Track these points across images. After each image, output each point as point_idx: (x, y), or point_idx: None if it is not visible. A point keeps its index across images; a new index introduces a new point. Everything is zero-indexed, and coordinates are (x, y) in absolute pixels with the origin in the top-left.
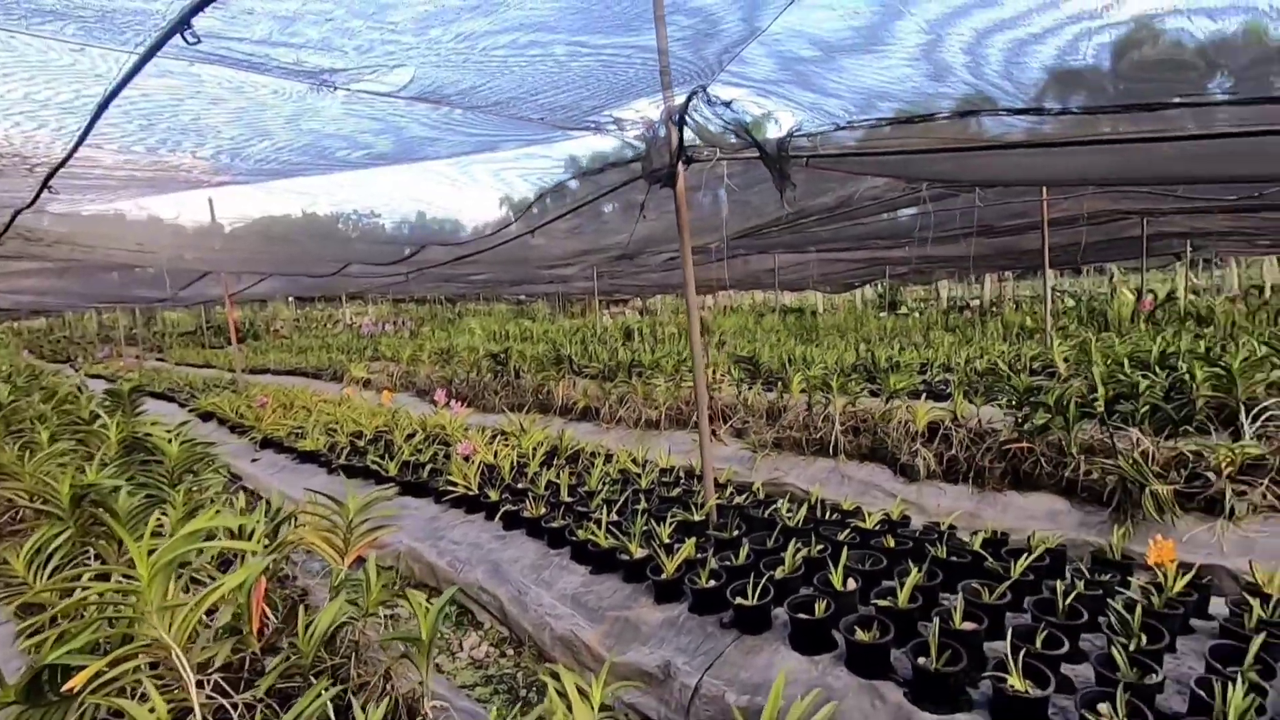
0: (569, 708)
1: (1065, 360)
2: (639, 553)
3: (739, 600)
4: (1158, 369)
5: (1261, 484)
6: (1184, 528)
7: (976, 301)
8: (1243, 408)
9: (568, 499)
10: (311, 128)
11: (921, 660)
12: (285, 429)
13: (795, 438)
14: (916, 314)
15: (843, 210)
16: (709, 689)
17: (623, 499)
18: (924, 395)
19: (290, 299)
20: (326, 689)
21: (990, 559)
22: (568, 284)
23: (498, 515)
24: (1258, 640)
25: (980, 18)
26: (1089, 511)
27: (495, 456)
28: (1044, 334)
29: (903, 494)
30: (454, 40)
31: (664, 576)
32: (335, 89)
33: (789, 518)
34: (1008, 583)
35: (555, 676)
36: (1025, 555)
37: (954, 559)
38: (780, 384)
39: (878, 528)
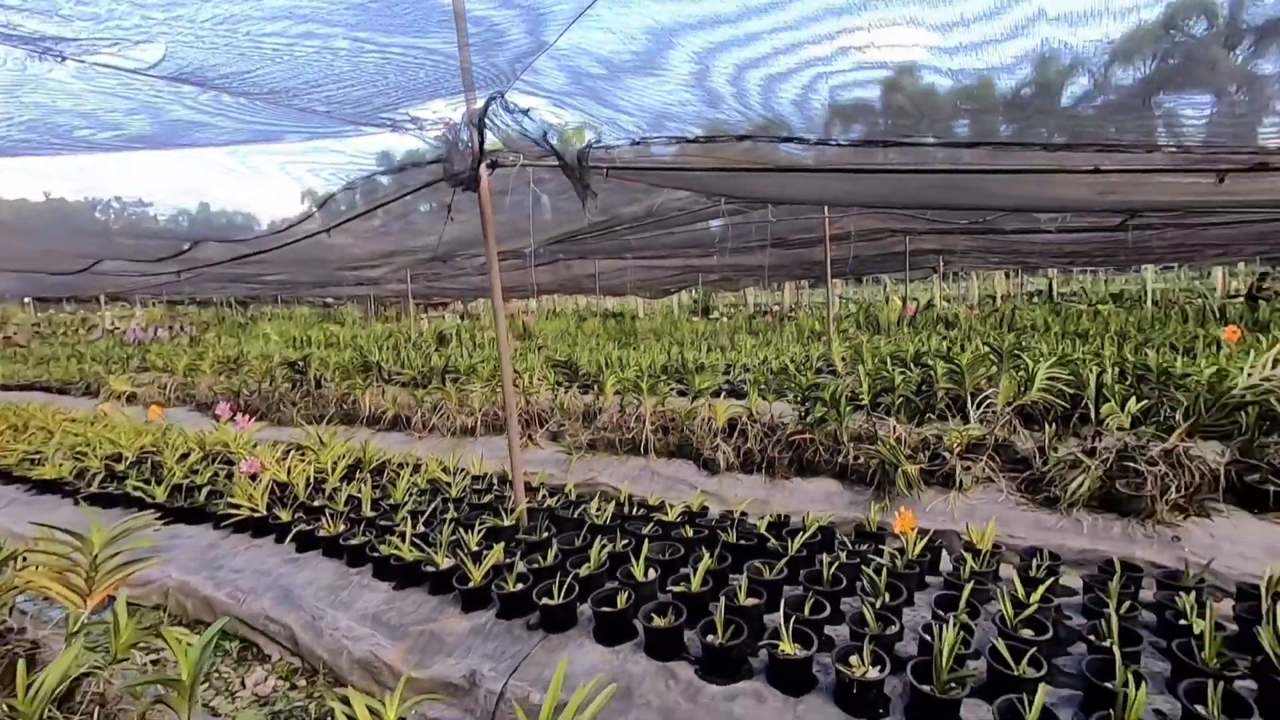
0: None
1: (843, 360)
2: (445, 563)
3: (545, 600)
4: (912, 366)
5: (982, 459)
6: (927, 500)
7: (777, 307)
8: (969, 397)
9: (370, 514)
10: (38, 101)
11: (709, 638)
12: (15, 454)
13: (609, 438)
14: (725, 319)
15: (652, 219)
16: (514, 692)
17: (430, 510)
18: (727, 394)
19: (27, 300)
20: None
21: (773, 540)
22: (379, 286)
23: (289, 537)
24: (968, 588)
25: (736, 55)
26: (857, 491)
27: (288, 474)
28: (828, 337)
29: (705, 486)
30: (210, 21)
31: (471, 584)
32: (64, 59)
33: (597, 516)
34: (785, 559)
35: (345, 701)
36: (801, 534)
37: (743, 542)
38: (597, 386)
39: (679, 519)
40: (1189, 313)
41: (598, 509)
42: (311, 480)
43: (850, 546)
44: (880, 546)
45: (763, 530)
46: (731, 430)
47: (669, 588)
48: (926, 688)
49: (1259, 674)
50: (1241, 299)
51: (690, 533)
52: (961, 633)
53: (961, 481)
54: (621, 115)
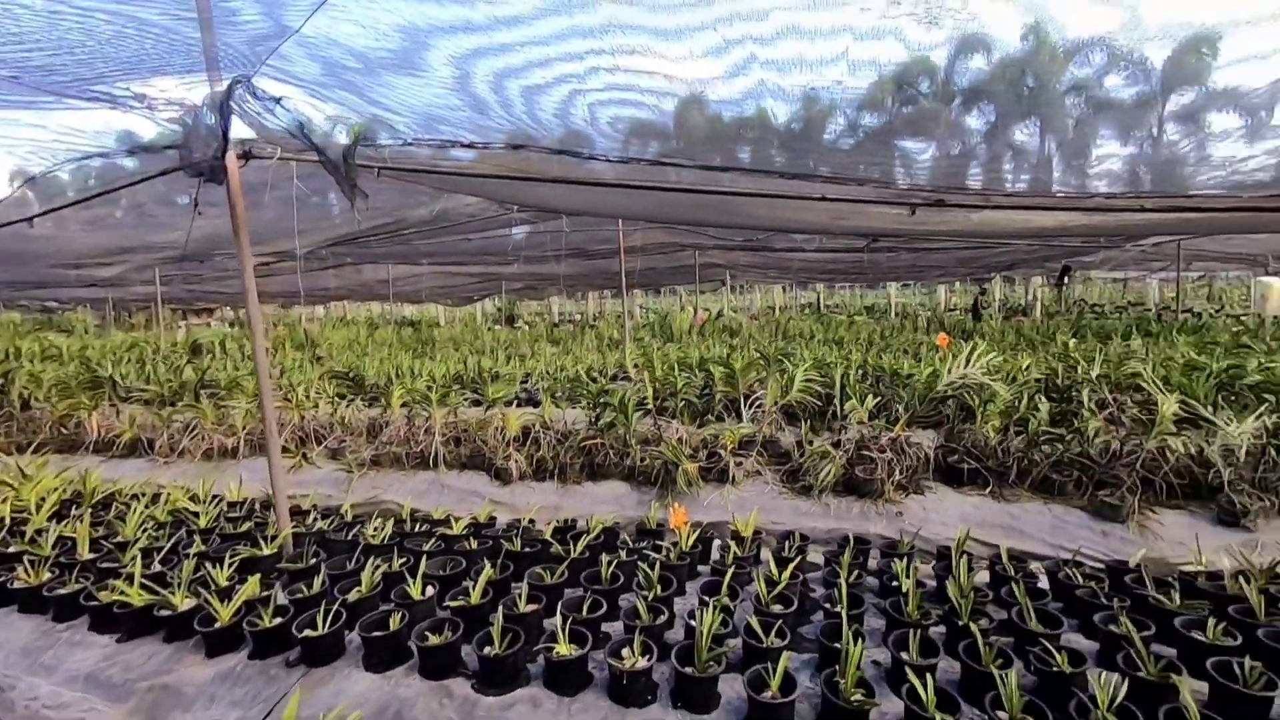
0: None
1: (635, 366)
2: (185, 604)
3: (307, 633)
4: (696, 371)
5: (752, 455)
6: (705, 495)
7: (580, 316)
8: (743, 398)
9: (89, 556)
10: None
11: (486, 649)
12: None
13: (396, 453)
14: (528, 327)
15: (444, 225)
16: None
17: (172, 544)
18: (524, 403)
19: None
20: None
21: (557, 544)
22: (120, 288)
23: None
24: (729, 574)
25: (494, 62)
26: (644, 491)
27: None
28: (624, 345)
29: (497, 496)
30: None
31: (218, 625)
32: None
33: (374, 536)
34: (567, 562)
35: None
36: (585, 536)
37: (527, 549)
38: (385, 399)
39: (464, 532)
40: (919, 323)
41: (375, 528)
42: (6, 521)
43: (631, 545)
44: (659, 542)
45: (548, 536)
46: (525, 438)
47: (447, 603)
48: (689, 669)
49: (947, 620)
50: (960, 311)
51: (474, 545)
52: (722, 615)
53: (734, 476)
54: (390, 114)
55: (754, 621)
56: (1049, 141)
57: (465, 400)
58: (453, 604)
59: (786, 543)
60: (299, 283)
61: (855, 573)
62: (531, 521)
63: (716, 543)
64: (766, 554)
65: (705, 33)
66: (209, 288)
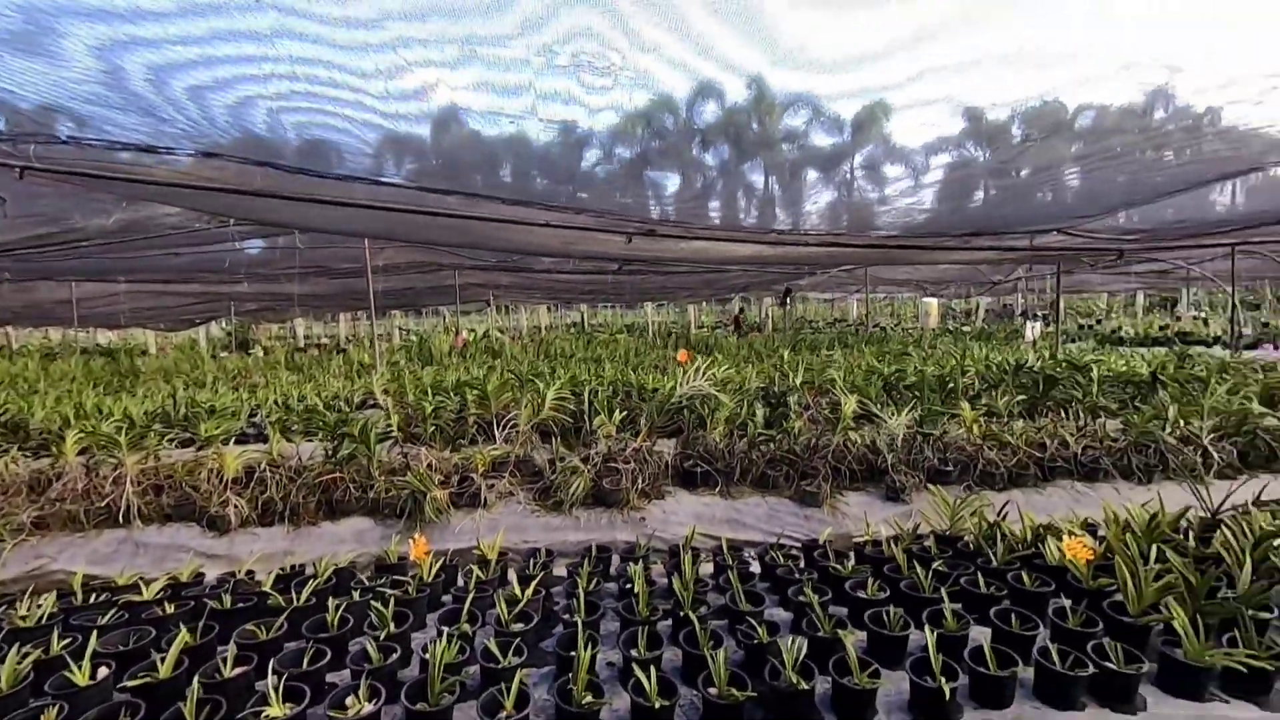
0: None
1: (385, 392)
2: None
3: None
4: (452, 394)
5: (505, 476)
6: (456, 522)
7: (328, 340)
8: (496, 420)
9: None
10: None
11: None
12: None
13: (71, 510)
14: (266, 353)
15: (139, 237)
16: None
17: None
18: (254, 438)
19: None
20: None
21: (276, 595)
22: None
23: None
24: (469, 599)
25: (149, 56)
26: (389, 525)
27: None
28: (375, 369)
29: (211, 549)
30: None
31: None
32: None
33: (22, 619)
34: (287, 613)
35: None
36: (313, 581)
37: (240, 605)
38: (58, 447)
39: (158, 596)
40: (671, 341)
41: (28, 609)
42: None
43: (366, 584)
44: (399, 578)
45: (268, 587)
46: (250, 479)
47: (126, 683)
48: (420, 706)
49: (673, 613)
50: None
51: (170, 609)
52: (460, 642)
53: (487, 499)
54: (29, 104)
55: (492, 644)
56: (771, 180)
57: (172, 441)
58: (133, 682)
59: (532, 560)
60: None
61: (595, 580)
62: (250, 573)
63: (462, 570)
64: (512, 574)
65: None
66: None
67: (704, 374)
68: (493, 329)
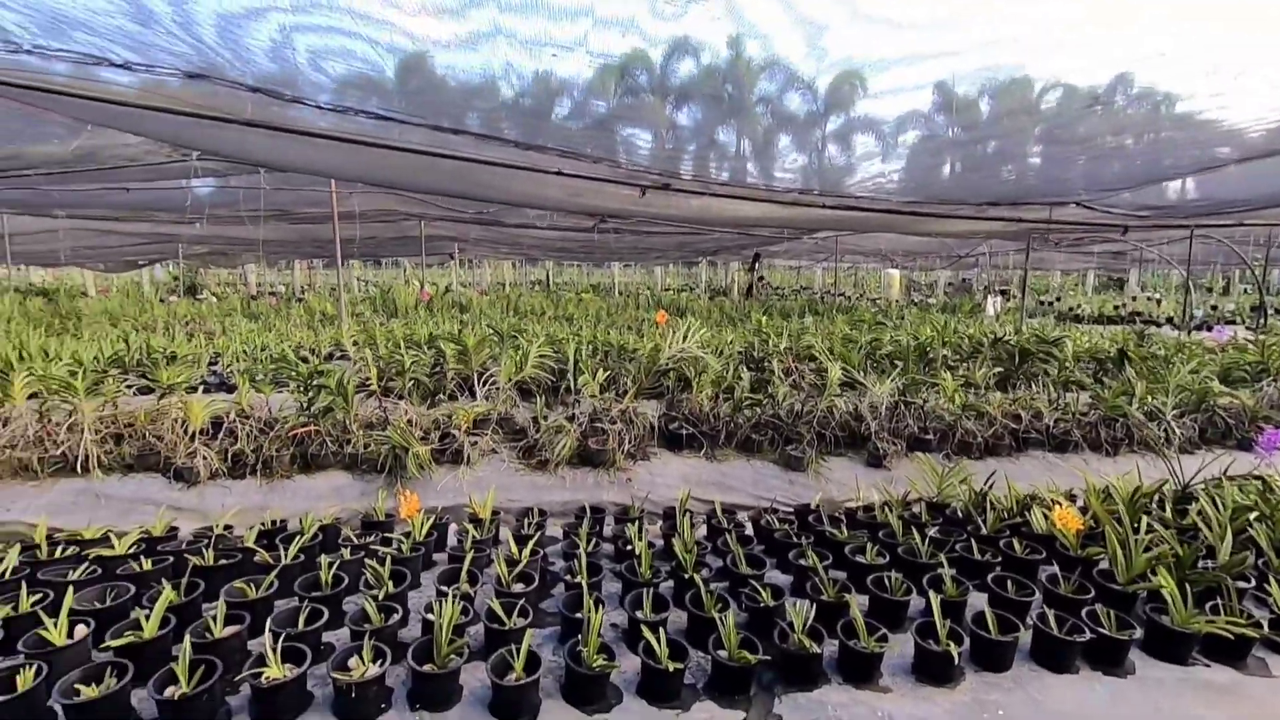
0: None
1: (355, 344)
2: None
3: None
4: (426, 348)
5: (487, 434)
6: (439, 478)
7: (284, 288)
8: (476, 376)
9: None
10: None
11: (168, 691)
12: None
13: (22, 458)
14: (217, 300)
15: (93, 168)
16: None
17: None
18: (215, 387)
19: None
20: None
21: (262, 551)
22: None
23: None
24: (468, 558)
25: None
26: (369, 480)
27: None
28: (340, 319)
29: (180, 502)
30: None
31: None
32: None
33: None
34: (276, 571)
35: None
36: (299, 538)
37: (223, 562)
38: (2, 390)
39: (131, 551)
40: (640, 301)
41: None
42: None
43: (355, 541)
44: (388, 535)
45: (250, 543)
46: (217, 430)
47: (108, 642)
48: (427, 667)
49: (675, 575)
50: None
51: (148, 565)
52: (462, 603)
53: (469, 456)
54: None
55: (496, 605)
56: (744, 143)
57: (130, 388)
58: (117, 642)
59: (526, 520)
60: None
61: (593, 541)
62: (229, 528)
63: (453, 528)
64: (506, 533)
65: None
66: None
67: (691, 337)
68: (456, 283)
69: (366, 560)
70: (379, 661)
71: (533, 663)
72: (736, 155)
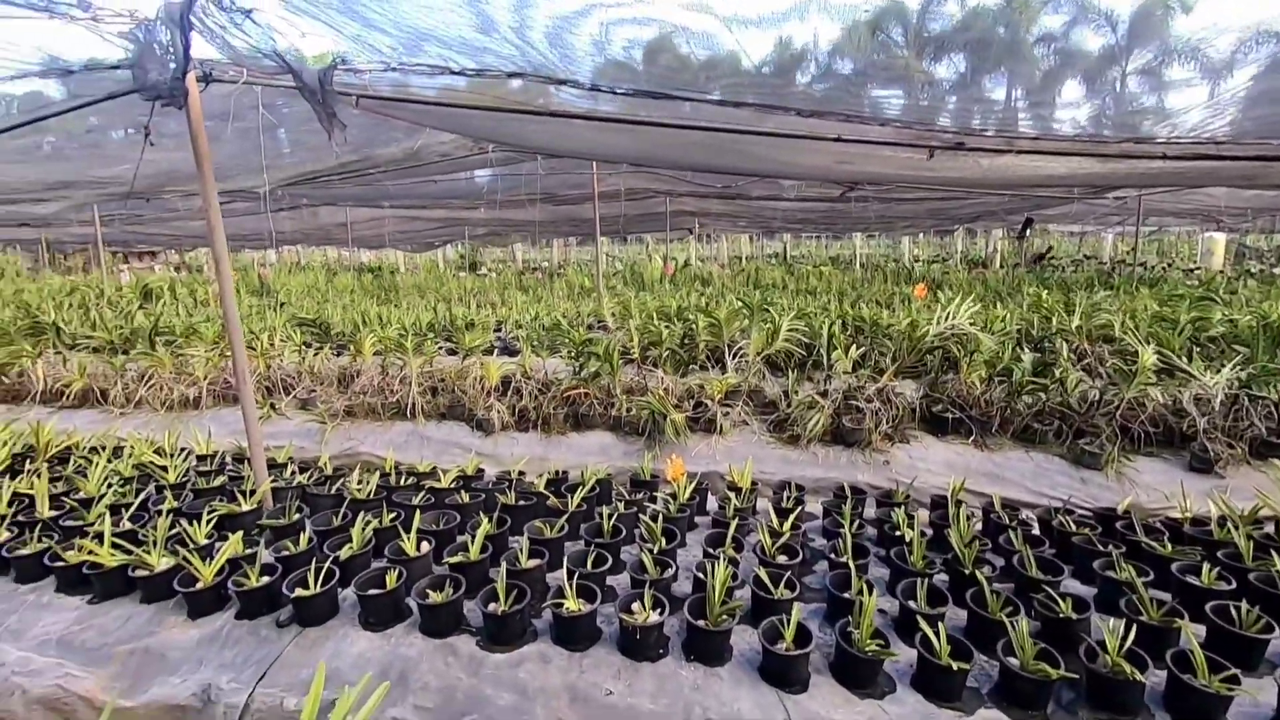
0: None
1: (613, 315)
2: (163, 563)
3: (298, 592)
4: (676, 320)
5: (738, 405)
6: (693, 445)
7: (546, 264)
8: (727, 348)
9: (51, 514)
10: None
11: (491, 606)
12: None
13: (370, 403)
14: (494, 274)
15: (413, 164)
16: (263, 701)
17: (141, 501)
18: (499, 351)
19: None
20: None
21: (552, 497)
22: (54, 228)
23: None
24: (733, 525)
25: None
26: (630, 442)
27: None
28: (598, 293)
29: (480, 448)
30: None
31: (200, 585)
32: None
33: (359, 490)
34: (565, 516)
35: None
36: (580, 489)
37: (521, 502)
38: (353, 347)
39: (453, 485)
40: (886, 274)
41: (359, 482)
42: None
43: (627, 496)
44: (654, 493)
45: (541, 488)
46: (505, 388)
47: (445, 560)
48: (701, 622)
49: (950, 569)
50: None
51: (466, 498)
52: (729, 567)
53: (722, 426)
54: (374, 33)
55: (762, 573)
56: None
57: (440, 349)
58: (451, 560)
59: (784, 493)
60: (268, 224)
61: (855, 523)
62: (521, 473)
63: (710, 494)
64: (764, 504)
65: None
66: (152, 229)
67: (962, 312)
68: (693, 257)
69: (639, 515)
70: (658, 610)
71: (802, 636)
72: (1007, 105)
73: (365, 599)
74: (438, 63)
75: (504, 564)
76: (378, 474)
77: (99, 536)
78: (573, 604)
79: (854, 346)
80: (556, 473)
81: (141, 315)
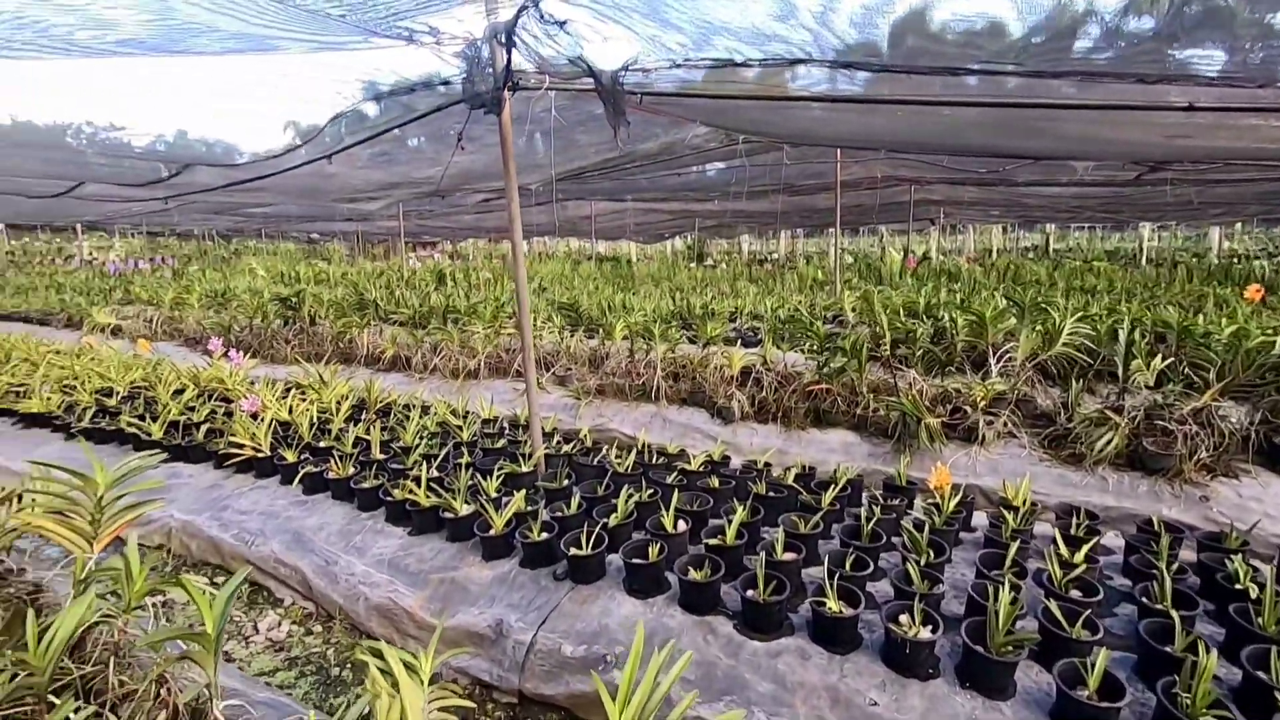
0: (395, 686)
1: (853, 310)
2: (465, 509)
3: (573, 551)
4: (925, 317)
5: (1004, 414)
6: (949, 454)
7: (774, 256)
8: (990, 349)
9: (380, 456)
10: None
11: (750, 593)
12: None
13: (618, 384)
14: (722, 266)
15: (666, 157)
16: (544, 643)
17: (443, 454)
18: (736, 342)
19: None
20: (76, 710)
21: (804, 492)
22: (369, 222)
23: (296, 479)
24: (1014, 547)
25: None
26: (876, 443)
27: (290, 413)
28: (833, 286)
29: (720, 435)
30: None
31: (493, 532)
32: None
33: (618, 464)
34: (819, 514)
35: (377, 654)
36: (832, 487)
37: (772, 494)
38: (602, 331)
39: (702, 469)
40: (1192, 271)
41: (618, 457)
42: (315, 421)
43: (881, 501)
44: (911, 501)
45: (790, 482)
46: (745, 379)
47: (702, 540)
48: (980, 648)
49: None
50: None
51: (716, 483)
52: (1013, 593)
53: (984, 436)
54: (669, 31)
55: (1052, 606)
56: None
57: (680, 337)
58: (708, 541)
59: (1072, 519)
60: (553, 213)
61: (1173, 565)
62: (767, 465)
63: (975, 510)
64: (1040, 528)
65: None
66: (435, 223)
67: None
68: (934, 250)
69: (901, 523)
70: (929, 627)
71: (1112, 689)
72: None
73: (631, 566)
74: (723, 55)
75: (761, 553)
76: (632, 451)
77: (417, 480)
78: (834, 604)
79: (1159, 357)
80: (803, 467)
81: (436, 296)
